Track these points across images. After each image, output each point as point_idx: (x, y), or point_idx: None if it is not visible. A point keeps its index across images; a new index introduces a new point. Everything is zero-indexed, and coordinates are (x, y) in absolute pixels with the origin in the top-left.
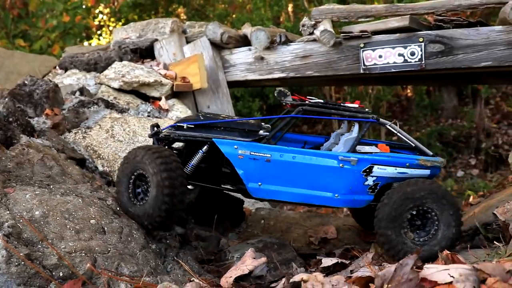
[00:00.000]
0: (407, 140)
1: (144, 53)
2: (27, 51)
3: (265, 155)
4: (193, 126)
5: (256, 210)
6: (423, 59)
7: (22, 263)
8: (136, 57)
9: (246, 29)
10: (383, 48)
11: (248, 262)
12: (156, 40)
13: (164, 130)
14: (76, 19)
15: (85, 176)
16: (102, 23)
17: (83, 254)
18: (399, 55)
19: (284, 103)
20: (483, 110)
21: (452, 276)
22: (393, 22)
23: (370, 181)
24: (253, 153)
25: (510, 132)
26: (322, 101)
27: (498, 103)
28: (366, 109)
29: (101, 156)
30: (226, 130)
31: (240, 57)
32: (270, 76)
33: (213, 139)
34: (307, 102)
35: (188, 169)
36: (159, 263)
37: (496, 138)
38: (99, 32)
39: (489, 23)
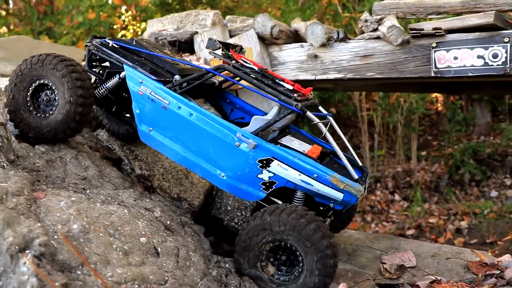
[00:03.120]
0: (334, 147)
1: (183, 46)
2: None
3: (164, 100)
4: (118, 46)
5: None
6: (508, 63)
7: None
8: (174, 50)
9: (298, 24)
10: (459, 48)
11: None
12: (196, 33)
13: (95, 42)
14: (102, 17)
15: (125, 180)
16: (126, 23)
17: (136, 286)
18: (479, 57)
19: (214, 56)
20: None
21: None
22: (473, 19)
23: (265, 175)
24: (153, 94)
25: None
26: (255, 68)
27: None
28: (310, 98)
29: (139, 158)
30: (143, 62)
31: (291, 54)
32: (324, 77)
33: (124, 64)
34: (233, 62)
35: (101, 91)
36: None
37: None
38: (123, 31)
39: None
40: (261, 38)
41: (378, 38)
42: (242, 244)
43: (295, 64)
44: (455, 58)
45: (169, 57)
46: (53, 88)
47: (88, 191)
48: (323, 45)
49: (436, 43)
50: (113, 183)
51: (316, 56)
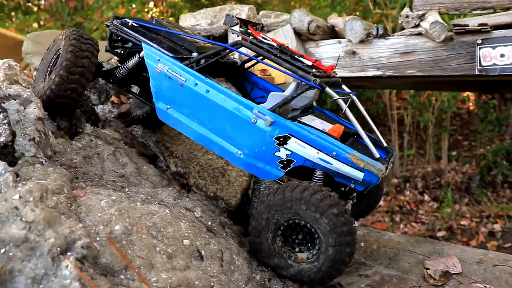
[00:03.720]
0: (355, 125)
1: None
2: None
3: (180, 77)
4: (137, 25)
5: None
6: None
7: None
8: None
9: (335, 19)
10: (506, 45)
11: None
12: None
13: (115, 22)
14: (132, 12)
15: (162, 177)
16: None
17: None
18: None
19: (232, 32)
20: None
21: None
22: None
23: (282, 153)
24: (170, 71)
25: None
26: (274, 44)
27: None
28: (332, 76)
29: (174, 154)
30: (161, 40)
31: (328, 50)
32: (362, 74)
33: (142, 42)
34: (251, 38)
35: (122, 71)
36: None
37: None
38: None
39: None
40: (298, 34)
41: (419, 34)
42: (257, 225)
43: (332, 60)
44: (502, 55)
45: (188, 35)
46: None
47: (127, 189)
48: (361, 42)
49: (482, 39)
50: (151, 181)
51: (354, 53)
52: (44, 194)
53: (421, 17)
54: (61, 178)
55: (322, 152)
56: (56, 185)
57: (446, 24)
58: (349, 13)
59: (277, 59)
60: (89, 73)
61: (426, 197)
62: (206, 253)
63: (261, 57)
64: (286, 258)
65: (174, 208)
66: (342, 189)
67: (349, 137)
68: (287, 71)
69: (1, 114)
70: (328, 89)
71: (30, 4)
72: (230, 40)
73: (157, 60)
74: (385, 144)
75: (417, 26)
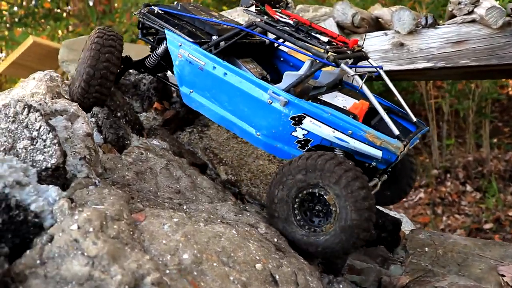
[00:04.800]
0: (373, 102)
1: None
2: None
3: (200, 61)
4: (162, 12)
5: (412, 233)
6: None
7: None
8: None
9: (379, 11)
10: None
11: None
12: None
13: (143, 10)
14: None
15: (217, 190)
16: None
17: None
18: None
19: (247, 13)
20: None
21: None
22: None
23: (299, 133)
24: (190, 56)
25: None
26: (290, 22)
27: None
28: (356, 50)
29: (224, 161)
30: (183, 26)
31: (374, 43)
32: (411, 66)
33: (165, 29)
34: (266, 18)
35: (152, 59)
36: None
37: None
38: None
39: None
40: (341, 27)
41: (473, 21)
42: (273, 195)
43: (378, 54)
44: None
45: (211, 19)
46: None
47: (185, 207)
48: (409, 32)
49: None
50: (207, 195)
51: (402, 45)
52: (104, 222)
53: (475, 3)
54: (118, 201)
55: (338, 130)
56: (115, 210)
57: (503, 9)
58: (380, 1)
59: (290, 37)
60: (114, 66)
61: (468, 188)
62: (280, 277)
63: (275, 37)
64: (303, 228)
65: (238, 226)
66: (367, 165)
67: (377, 113)
68: (300, 49)
69: (50, 133)
70: (343, 65)
71: (59, 10)
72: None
73: (178, 45)
74: (414, 119)
75: (470, 12)
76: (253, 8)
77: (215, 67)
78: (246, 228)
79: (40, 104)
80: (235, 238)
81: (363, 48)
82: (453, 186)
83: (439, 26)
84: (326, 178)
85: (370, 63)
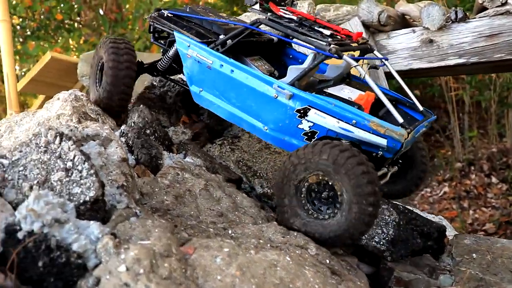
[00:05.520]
0: (376, 92)
1: None
2: None
3: (207, 60)
4: (171, 15)
5: (456, 238)
6: None
7: None
8: None
9: (405, 7)
10: None
11: None
12: None
13: (153, 14)
14: None
15: (258, 208)
16: None
17: None
18: None
19: (253, 12)
20: None
21: None
22: None
23: (305, 125)
24: (198, 55)
25: None
26: (294, 18)
27: None
28: (361, 42)
29: (258, 174)
30: (191, 27)
31: (401, 41)
32: (443, 63)
33: (174, 31)
34: (269, 15)
35: (164, 61)
36: None
37: None
38: None
39: None
40: (366, 26)
41: (506, 13)
42: (280, 183)
43: (407, 51)
44: None
45: (218, 19)
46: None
47: (230, 231)
48: (439, 28)
49: None
50: (249, 215)
51: (431, 41)
52: (154, 261)
53: None
54: (164, 233)
55: (342, 121)
56: (163, 246)
57: None
58: None
59: (292, 32)
60: (133, 70)
61: (494, 179)
62: None
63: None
64: (310, 215)
65: (289, 249)
66: (374, 155)
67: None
68: (303, 43)
69: (86, 163)
70: (345, 57)
71: (71, 21)
72: None
73: (187, 46)
74: (421, 108)
75: (503, 4)
76: (257, 6)
77: (222, 65)
78: (297, 251)
79: (71, 130)
80: (290, 266)
81: (367, 40)
82: (478, 179)
83: (470, 20)
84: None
85: (376, 55)
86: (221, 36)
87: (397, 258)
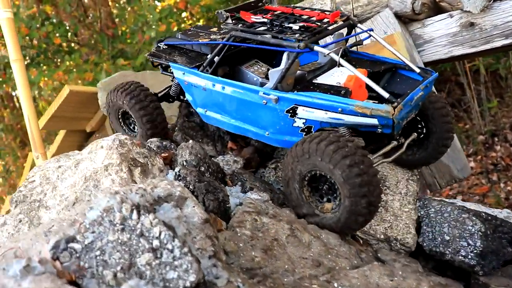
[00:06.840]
0: (355, 72)
1: None
2: (130, 68)
3: (201, 83)
4: (166, 47)
5: None
6: None
7: None
8: None
9: None
10: None
11: None
12: None
13: (152, 49)
14: (172, 26)
15: (349, 245)
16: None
17: None
18: None
19: (226, 27)
20: None
21: None
22: None
23: (299, 123)
24: (193, 81)
25: None
26: (265, 21)
27: None
28: (339, 21)
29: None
30: (183, 54)
31: (439, 28)
32: (488, 46)
33: (170, 63)
34: (240, 26)
35: (173, 88)
36: None
37: None
38: None
39: None
40: (398, 17)
41: None
42: (285, 175)
43: (446, 38)
44: None
45: (206, 37)
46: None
47: (336, 284)
48: (481, 10)
49: None
50: (343, 256)
51: (472, 24)
52: None
53: None
54: None
55: (330, 111)
56: None
57: None
58: None
59: (262, 39)
60: (157, 102)
61: None
62: None
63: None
64: (314, 208)
65: None
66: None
67: (385, 74)
68: (276, 47)
69: (176, 240)
70: (316, 47)
71: (69, 42)
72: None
73: (182, 74)
74: (417, 70)
75: None
76: (229, 20)
77: (214, 84)
78: None
79: (142, 195)
80: None
81: (348, 16)
82: (504, 150)
83: None
84: (322, 160)
85: (361, 28)
86: (209, 56)
87: (489, 271)
